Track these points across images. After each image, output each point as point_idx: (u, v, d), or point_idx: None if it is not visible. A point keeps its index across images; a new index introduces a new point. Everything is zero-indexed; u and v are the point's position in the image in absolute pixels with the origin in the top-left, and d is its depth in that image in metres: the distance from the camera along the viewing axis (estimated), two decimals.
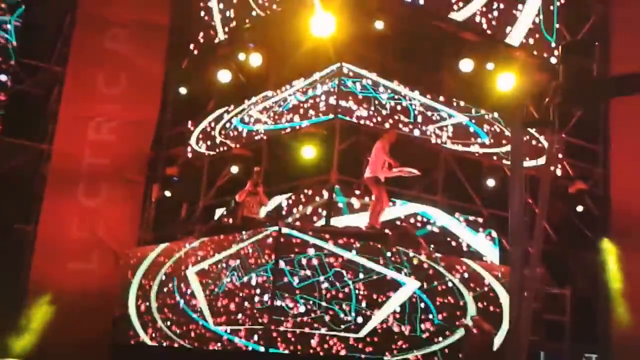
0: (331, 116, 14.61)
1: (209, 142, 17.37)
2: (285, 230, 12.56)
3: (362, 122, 14.72)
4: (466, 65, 16.12)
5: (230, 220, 15.48)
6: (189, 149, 17.86)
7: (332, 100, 14.63)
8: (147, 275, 15.33)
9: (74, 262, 16.09)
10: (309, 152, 15.35)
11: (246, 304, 12.55)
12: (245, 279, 12.72)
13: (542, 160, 16.42)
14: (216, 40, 17.56)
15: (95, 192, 16.62)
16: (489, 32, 16.33)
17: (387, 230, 13.89)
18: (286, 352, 12.11)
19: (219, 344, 12.94)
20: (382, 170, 13.70)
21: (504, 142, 16.57)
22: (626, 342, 16.43)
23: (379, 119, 14.89)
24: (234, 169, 16.65)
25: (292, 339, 12.16)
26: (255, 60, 16.50)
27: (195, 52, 18.33)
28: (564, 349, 16.06)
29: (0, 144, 16.75)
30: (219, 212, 16.62)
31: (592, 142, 18.59)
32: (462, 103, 16.18)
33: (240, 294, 12.73)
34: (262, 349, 12.11)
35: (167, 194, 17.54)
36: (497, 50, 16.45)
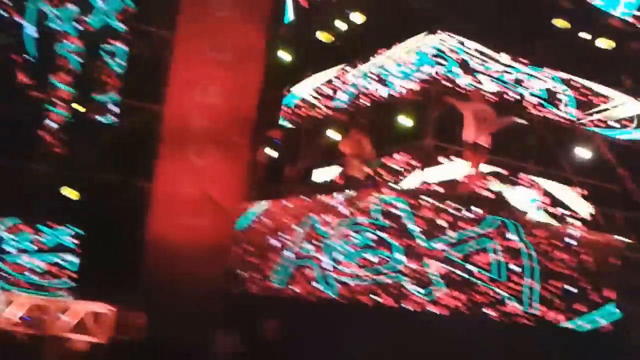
0: (426, 82, 15.37)
1: (308, 106, 18.33)
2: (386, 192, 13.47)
3: (457, 88, 15.40)
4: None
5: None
6: (288, 112, 18.87)
7: (427, 67, 15.36)
8: (255, 230, 16.46)
9: (187, 218, 17.17)
10: (404, 118, 16.16)
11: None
12: (350, 236, 13.70)
13: None
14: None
15: (204, 153, 17.59)
16: None
17: (482, 194, 14.70)
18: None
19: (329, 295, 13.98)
20: (478, 134, 14.42)
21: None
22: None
23: (474, 85, 15.56)
24: (331, 133, 17.60)
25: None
26: (355, 18, 17.36)
27: (293, 18, 19.30)
28: None
29: (121, 105, 18.01)
30: (320, 172, 17.54)
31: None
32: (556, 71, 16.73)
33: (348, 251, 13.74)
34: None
35: (271, 155, 18.65)
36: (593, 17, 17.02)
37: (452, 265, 13.24)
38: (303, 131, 18.59)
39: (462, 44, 15.53)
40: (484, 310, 13.37)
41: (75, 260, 16.70)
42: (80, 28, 18.11)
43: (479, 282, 13.36)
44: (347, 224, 13.91)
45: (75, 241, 16.79)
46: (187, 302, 15.82)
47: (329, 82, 17.98)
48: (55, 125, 17.59)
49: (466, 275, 13.28)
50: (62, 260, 16.57)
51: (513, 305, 13.56)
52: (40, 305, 13.66)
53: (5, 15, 17.44)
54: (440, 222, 13.37)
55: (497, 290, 13.48)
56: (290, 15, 19.45)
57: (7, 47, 17.37)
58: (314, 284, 14.28)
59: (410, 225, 13.17)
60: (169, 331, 14.37)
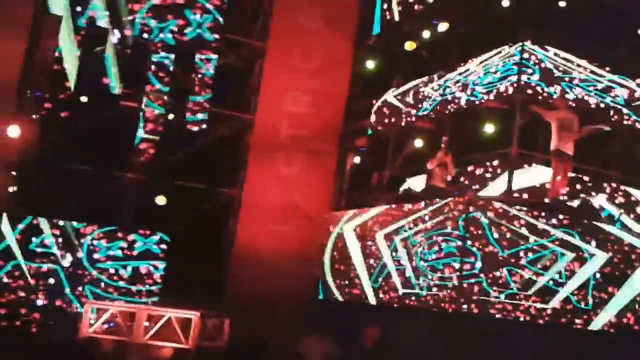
0: (512, 91, 15.31)
1: (395, 115, 18.44)
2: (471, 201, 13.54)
3: (542, 96, 15.29)
4: None
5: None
6: (375, 121, 19.04)
7: (513, 75, 15.29)
8: (341, 238, 16.65)
9: (273, 225, 17.49)
10: (489, 126, 16.13)
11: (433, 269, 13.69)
12: (432, 246, 13.81)
13: None
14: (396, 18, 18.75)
15: (292, 161, 17.92)
16: None
17: (569, 203, 14.63)
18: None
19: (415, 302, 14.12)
20: (563, 142, 14.32)
21: None
22: None
23: (559, 93, 15.42)
24: (418, 142, 17.69)
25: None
26: (442, 28, 17.44)
27: (380, 29, 19.51)
28: None
29: (210, 114, 18.47)
30: (407, 181, 17.65)
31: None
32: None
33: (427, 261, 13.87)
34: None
35: (357, 163, 18.83)
36: None
37: (534, 273, 13.23)
38: (390, 139, 18.66)
39: (547, 52, 15.40)
40: (564, 317, 13.34)
41: (163, 266, 17.13)
42: (174, 39, 18.59)
43: (560, 289, 13.32)
44: (432, 232, 14.01)
45: (163, 247, 17.22)
46: (272, 308, 16.12)
47: (416, 90, 18.03)
48: (147, 134, 18.11)
49: (547, 283, 13.25)
50: (150, 266, 17.03)
51: (595, 313, 13.47)
52: (126, 312, 14.03)
53: (103, 26, 18.04)
54: (523, 230, 13.39)
55: (580, 298, 13.40)
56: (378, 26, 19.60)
57: (102, 58, 17.96)
58: (400, 291, 14.42)
59: (493, 234, 13.21)
60: (254, 337, 14.69)
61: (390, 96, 18.75)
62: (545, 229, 13.49)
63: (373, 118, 18.96)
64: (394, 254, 14.87)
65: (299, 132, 18.06)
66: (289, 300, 16.48)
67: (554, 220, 13.59)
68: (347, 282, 16.09)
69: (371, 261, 15.45)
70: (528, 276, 13.17)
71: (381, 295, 14.95)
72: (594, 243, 13.72)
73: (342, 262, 16.48)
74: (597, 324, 13.51)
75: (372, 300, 15.17)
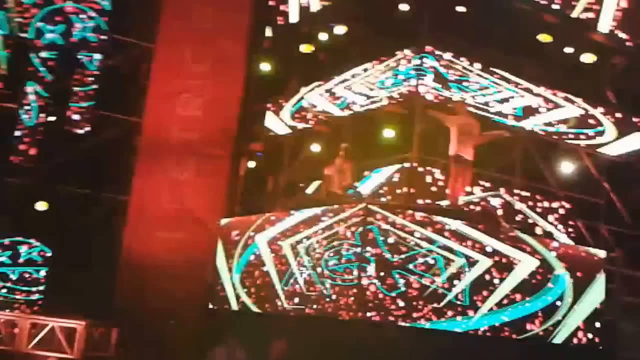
0: (410, 95, 15.12)
1: (290, 119, 18.06)
2: (371, 206, 13.18)
3: (441, 101, 15.16)
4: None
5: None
6: (271, 125, 18.60)
7: (412, 80, 15.11)
8: (235, 245, 16.10)
9: (164, 232, 16.82)
10: (389, 130, 15.92)
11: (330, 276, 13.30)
12: (331, 253, 13.41)
13: None
14: (294, 20, 18.39)
15: (183, 165, 17.30)
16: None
17: (468, 208, 14.48)
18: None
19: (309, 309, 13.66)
20: (463, 147, 14.19)
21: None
22: None
23: (459, 98, 15.31)
24: (315, 146, 17.34)
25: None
26: (339, 31, 17.21)
27: (273, 32, 19.13)
28: None
29: (95, 117, 17.67)
30: (305, 186, 17.25)
31: None
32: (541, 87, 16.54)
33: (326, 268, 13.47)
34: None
35: (252, 168, 18.34)
36: (577, 33, 16.91)
37: (426, 278, 13.05)
38: (288, 144, 18.29)
39: (446, 58, 15.30)
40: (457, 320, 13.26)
41: (47, 274, 16.31)
42: (57, 39, 17.80)
43: (449, 293, 13.18)
44: (331, 238, 13.66)
45: (47, 255, 16.39)
46: (163, 317, 15.50)
47: (313, 94, 17.70)
48: (28, 137, 17.24)
49: (440, 288, 13.07)
50: (33, 274, 16.20)
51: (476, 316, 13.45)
52: (8, 320, 13.29)
53: None
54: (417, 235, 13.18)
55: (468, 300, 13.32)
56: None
57: None
58: (302, 299, 14.01)
59: (387, 240, 12.94)
60: (143, 347, 14.08)
61: (286, 100, 18.44)
62: (437, 235, 13.34)
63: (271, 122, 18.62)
64: (296, 260, 14.45)
65: (190, 135, 17.44)
66: (180, 309, 15.84)
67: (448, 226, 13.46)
68: (248, 290, 15.57)
69: (273, 268, 14.96)
70: (421, 281, 12.96)
71: (282, 304, 14.48)
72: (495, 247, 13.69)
73: (244, 271, 15.99)
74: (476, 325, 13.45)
75: (272, 308, 14.69)
